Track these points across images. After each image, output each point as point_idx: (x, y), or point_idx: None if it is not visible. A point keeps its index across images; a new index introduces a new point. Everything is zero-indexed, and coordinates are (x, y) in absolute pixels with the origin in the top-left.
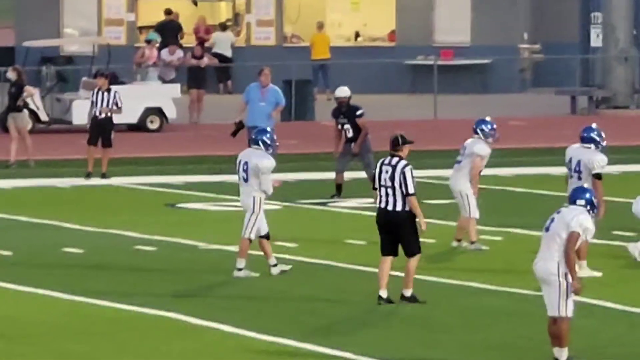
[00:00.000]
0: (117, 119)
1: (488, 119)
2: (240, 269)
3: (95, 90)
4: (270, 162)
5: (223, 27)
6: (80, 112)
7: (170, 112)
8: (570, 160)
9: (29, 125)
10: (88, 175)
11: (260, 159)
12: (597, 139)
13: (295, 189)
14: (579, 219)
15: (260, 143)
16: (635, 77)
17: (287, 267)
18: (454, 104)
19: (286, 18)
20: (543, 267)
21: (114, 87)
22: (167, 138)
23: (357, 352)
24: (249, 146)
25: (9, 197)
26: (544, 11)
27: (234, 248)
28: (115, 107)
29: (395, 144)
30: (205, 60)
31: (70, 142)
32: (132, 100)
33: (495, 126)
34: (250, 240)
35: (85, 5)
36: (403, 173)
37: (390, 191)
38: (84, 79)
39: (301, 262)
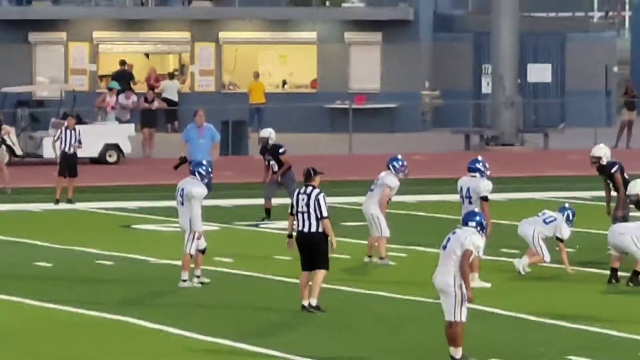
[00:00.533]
0: (80, 153)
1: (399, 157)
2: (184, 280)
3: (64, 129)
4: (202, 190)
5: (171, 76)
6: (50, 148)
7: (126, 148)
8: (461, 189)
9: (6, 159)
10: (57, 202)
11: (193, 186)
12: (482, 168)
13: (231, 212)
14: (471, 239)
15: (196, 174)
16: (520, 119)
17: (207, 280)
18: (366, 141)
19: (224, 69)
20: (441, 279)
21: (77, 127)
22: (123, 170)
23: (285, 351)
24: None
25: None
26: (442, 62)
27: (179, 262)
28: (78, 143)
29: (308, 176)
30: (156, 104)
31: (41, 172)
32: (93, 138)
33: (405, 163)
34: (191, 256)
35: (54, 57)
36: (317, 200)
37: (306, 216)
38: (53, 119)
39: (237, 274)
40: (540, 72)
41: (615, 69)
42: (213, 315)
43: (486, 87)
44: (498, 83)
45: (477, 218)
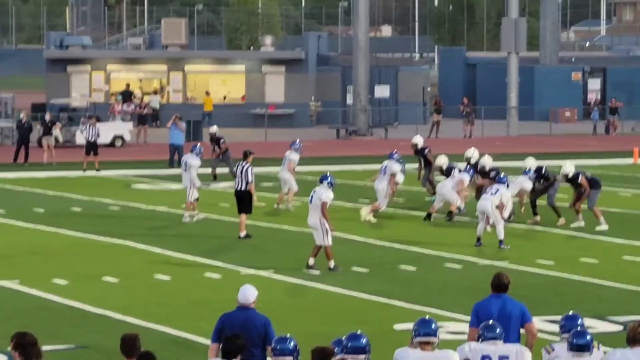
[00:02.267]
0: (99, 140)
1: (297, 140)
2: (186, 217)
3: (88, 125)
4: (197, 162)
5: (155, 92)
6: (80, 138)
7: (127, 137)
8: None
9: (54, 143)
10: (84, 170)
11: (192, 159)
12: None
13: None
14: (325, 193)
15: (195, 150)
16: (370, 119)
17: (201, 216)
18: (275, 134)
19: (188, 88)
20: (312, 221)
21: (97, 124)
22: (126, 151)
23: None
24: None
25: (40, 182)
26: (322, 84)
27: (165, 208)
28: (97, 136)
29: (245, 155)
30: (145, 110)
31: (75, 153)
32: (106, 131)
33: (301, 145)
34: (191, 203)
35: (82, 81)
36: (247, 170)
37: (241, 179)
38: (82, 119)
39: (211, 217)
40: (382, 90)
41: (429, 89)
42: (198, 241)
43: (349, 99)
44: (356, 97)
45: (328, 179)
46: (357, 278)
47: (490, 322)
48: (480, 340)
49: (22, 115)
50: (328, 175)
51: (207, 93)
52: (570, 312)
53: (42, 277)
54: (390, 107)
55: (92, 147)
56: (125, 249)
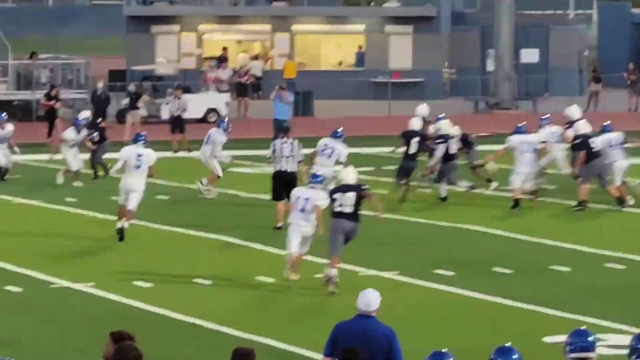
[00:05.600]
0: (188, 115)
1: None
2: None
3: (172, 97)
4: (223, 137)
5: (256, 57)
6: (166, 112)
7: (223, 111)
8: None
9: (139, 119)
10: (175, 152)
11: (216, 134)
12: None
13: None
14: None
15: (222, 125)
16: (515, 90)
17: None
18: (400, 106)
19: (296, 52)
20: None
21: (184, 95)
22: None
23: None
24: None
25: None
26: (457, 48)
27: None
28: (183, 110)
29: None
30: (246, 79)
31: (160, 129)
32: (198, 103)
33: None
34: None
35: (170, 43)
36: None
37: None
38: (169, 90)
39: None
40: (530, 54)
41: (586, 52)
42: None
43: (490, 66)
44: (499, 63)
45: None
46: (499, 280)
47: None
48: None
49: (99, 84)
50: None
51: (289, 57)
52: None
53: (121, 279)
54: (539, 75)
55: (177, 123)
56: (219, 244)
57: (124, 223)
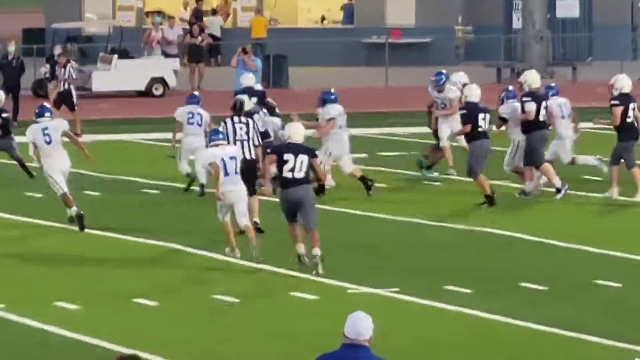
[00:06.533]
0: (127, 86)
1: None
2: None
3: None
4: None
5: (214, 11)
6: (98, 82)
7: (171, 81)
8: None
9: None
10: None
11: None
12: None
13: None
14: None
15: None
16: (549, 53)
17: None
18: (402, 74)
19: (265, 5)
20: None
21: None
22: (169, 102)
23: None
24: None
25: None
26: None
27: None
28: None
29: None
30: (201, 40)
31: (90, 104)
32: (139, 72)
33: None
34: None
35: None
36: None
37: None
38: (101, 54)
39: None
40: (568, 7)
41: None
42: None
43: (517, 22)
44: (528, 18)
45: None
46: (528, 299)
47: None
48: None
49: (10, 46)
50: None
51: (258, 11)
52: None
53: (39, 300)
54: (580, 34)
55: (63, 98)
56: (163, 251)
57: (76, 209)
